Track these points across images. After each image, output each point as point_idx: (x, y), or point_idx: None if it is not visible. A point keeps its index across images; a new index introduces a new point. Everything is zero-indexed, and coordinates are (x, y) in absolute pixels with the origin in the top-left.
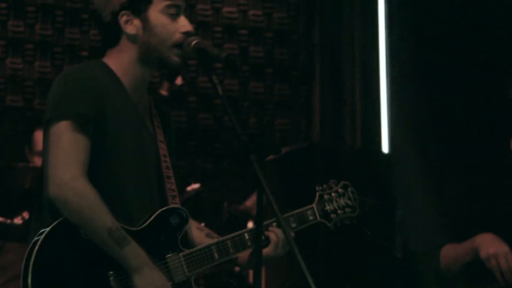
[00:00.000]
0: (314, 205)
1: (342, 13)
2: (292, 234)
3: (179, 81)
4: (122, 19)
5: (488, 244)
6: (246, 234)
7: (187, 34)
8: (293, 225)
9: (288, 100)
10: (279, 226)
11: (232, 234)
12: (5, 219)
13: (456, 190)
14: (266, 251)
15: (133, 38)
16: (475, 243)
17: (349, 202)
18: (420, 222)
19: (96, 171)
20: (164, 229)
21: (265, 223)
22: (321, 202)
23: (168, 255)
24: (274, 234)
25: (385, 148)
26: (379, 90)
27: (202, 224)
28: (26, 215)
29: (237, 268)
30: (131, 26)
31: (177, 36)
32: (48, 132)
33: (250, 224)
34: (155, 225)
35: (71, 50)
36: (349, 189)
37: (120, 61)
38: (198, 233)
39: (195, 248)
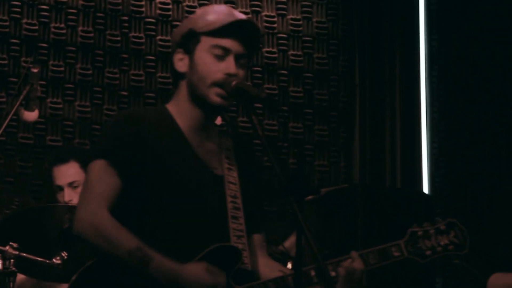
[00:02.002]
0: (401, 241)
1: (382, 54)
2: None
3: (218, 121)
4: (176, 58)
5: None
6: (311, 271)
7: (229, 75)
8: (372, 261)
9: (327, 140)
10: (318, 268)
11: None
12: (44, 259)
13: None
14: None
15: (183, 77)
16: None
17: (455, 240)
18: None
19: (144, 212)
20: (215, 265)
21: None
22: (413, 239)
23: None
24: (343, 268)
25: (425, 188)
26: (420, 131)
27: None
28: (64, 255)
29: None
30: (182, 63)
31: (218, 76)
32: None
33: (289, 265)
34: (205, 261)
35: (110, 90)
36: (457, 227)
37: (177, 103)
38: (265, 270)
39: (249, 284)
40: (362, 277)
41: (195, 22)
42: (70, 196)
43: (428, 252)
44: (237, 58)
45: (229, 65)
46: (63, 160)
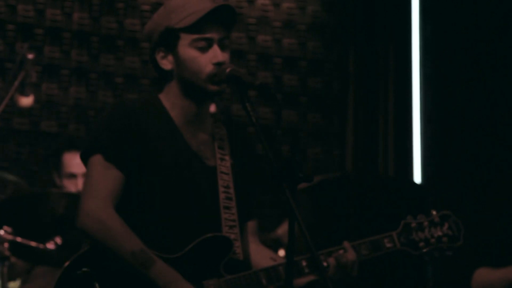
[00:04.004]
0: (394, 233)
1: (376, 43)
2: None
3: (213, 108)
4: (158, 56)
5: None
6: (303, 261)
7: (218, 64)
8: (364, 252)
9: (321, 129)
10: (311, 258)
11: None
12: (38, 244)
13: (492, 214)
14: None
15: (171, 73)
16: None
17: (449, 232)
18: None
19: (138, 203)
20: (204, 256)
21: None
22: (406, 230)
23: (205, 281)
24: (334, 259)
25: (417, 178)
26: (412, 120)
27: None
28: (58, 240)
29: None
30: (166, 61)
31: (209, 68)
32: (86, 165)
33: (281, 253)
34: (194, 252)
35: (106, 77)
36: (451, 218)
37: (168, 95)
38: (257, 257)
39: (239, 274)
40: (353, 267)
41: (169, 17)
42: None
43: (421, 244)
44: (220, 42)
45: (215, 54)
46: (78, 147)
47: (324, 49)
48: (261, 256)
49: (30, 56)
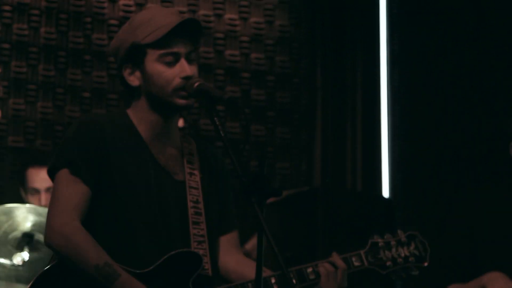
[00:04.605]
0: (361, 251)
1: (344, 56)
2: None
3: (181, 123)
4: (126, 72)
5: (496, 282)
6: (272, 278)
7: (186, 78)
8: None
9: (289, 143)
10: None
11: (267, 274)
12: (5, 259)
13: (460, 229)
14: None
15: (138, 89)
16: (482, 281)
17: (416, 252)
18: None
19: (105, 218)
20: (173, 272)
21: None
22: (374, 249)
23: None
24: (323, 268)
25: (385, 192)
26: (380, 134)
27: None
28: (25, 256)
29: None
30: (133, 77)
31: (177, 81)
32: (52, 180)
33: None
34: (163, 268)
35: (73, 91)
36: (417, 239)
37: (136, 110)
38: (238, 269)
39: None
40: (344, 276)
41: (134, 34)
42: (47, 201)
43: (388, 263)
44: (187, 56)
45: (182, 68)
46: (42, 163)
47: (291, 63)
48: (243, 268)
49: None
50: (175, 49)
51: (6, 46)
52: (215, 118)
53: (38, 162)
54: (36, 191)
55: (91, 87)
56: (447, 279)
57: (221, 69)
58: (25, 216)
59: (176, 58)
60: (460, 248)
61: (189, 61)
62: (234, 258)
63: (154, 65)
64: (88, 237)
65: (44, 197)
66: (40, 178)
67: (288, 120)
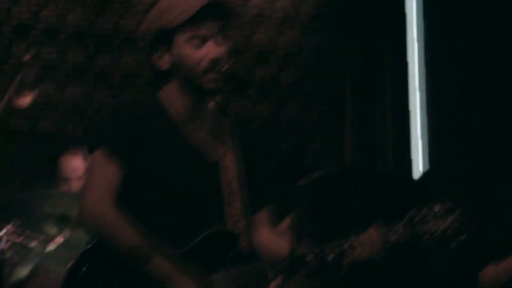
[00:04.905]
0: (398, 225)
1: (373, 38)
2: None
3: (212, 104)
4: (155, 57)
5: None
6: (308, 255)
7: (214, 60)
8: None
9: (319, 124)
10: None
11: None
12: (40, 243)
13: (495, 209)
14: (352, 257)
15: (168, 73)
16: None
17: (454, 225)
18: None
19: (140, 200)
20: (210, 251)
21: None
22: (411, 223)
23: (211, 276)
24: (359, 241)
25: (417, 171)
26: (411, 112)
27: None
28: (60, 239)
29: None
30: (162, 61)
31: (205, 64)
32: (87, 161)
33: None
34: (199, 247)
35: (103, 76)
36: (456, 212)
37: (167, 94)
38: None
39: (245, 267)
40: (380, 250)
41: (162, 17)
42: (78, 189)
43: (425, 237)
44: (215, 38)
45: (210, 50)
46: (74, 152)
47: (322, 43)
48: (276, 245)
49: (27, 57)
50: (202, 31)
51: (36, 31)
52: (245, 101)
53: (69, 151)
54: (67, 180)
55: (121, 71)
56: (485, 256)
57: (250, 51)
58: (61, 200)
59: (204, 40)
60: (498, 223)
61: (218, 42)
62: (268, 235)
63: (182, 48)
64: (121, 218)
65: (76, 186)
66: (71, 167)
67: (318, 100)
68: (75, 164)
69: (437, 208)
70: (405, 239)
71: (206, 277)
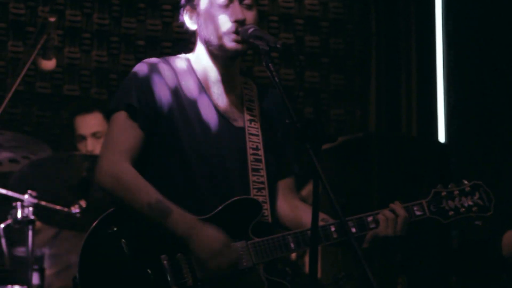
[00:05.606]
0: (423, 201)
1: (397, 2)
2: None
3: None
4: (186, 17)
5: None
6: (331, 226)
7: (238, 22)
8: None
9: (343, 89)
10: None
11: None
12: (63, 207)
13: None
14: (376, 231)
15: (196, 34)
16: None
17: (480, 202)
18: None
19: (165, 164)
20: (233, 218)
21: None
22: (436, 199)
23: (233, 243)
24: (383, 215)
25: (441, 137)
26: (435, 79)
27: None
28: (83, 203)
29: (293, 257)
30: (191, 21)
31: (228, 25)
32: (108, 122)
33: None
34: (223, 214)
35: (127, 40)
36: (482, 188)
37: (196, 55)
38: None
39: (268, 237)
40: (404, 225)
41: None
42: (93, 146)
43: (451, 213)
44: (241, 0)
45: (235, 11)
46: (87, 110)
47: (345, 9)
48: (300, 214)
49: (52, 19)
50: None
51: None
52: (270, 65)
53: (83, 110)
54: (83, 138)
55: (145, 35)
56: (504, 226)
57: (274, 16)
58: (82, 163)
59: (230, 0)
60: None
61: (245, 6)
62: (290, 203)
63: (208, 8)
64: (137, 176)
65: (91, 142)
66: (85, 124)
67: (342, 66)
68: (89, 121)
69: (463, 184)
70: (430, 215)
71: (224, 235)
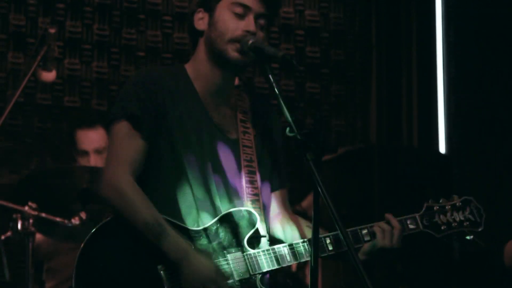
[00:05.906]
0: (416, 215)
1: (398, 13)
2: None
3: (236, 81)
4: (197, 17)
5: None
6: (327, 239)
7: (247, 32)
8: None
9: (344, 100)
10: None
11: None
12: (63, 219)
13: None
14: (372, 243)
15: (201, 35)
16: None
17: (471, 217)
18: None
19: (160, 175)
20: (229, 229)
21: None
22: (429, 213)
23: (229, 254)
24: (379, 227)
25: (442, 148)
26: (436, 90)
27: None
28: (83, 215)
29: (294, 268)
30: (202, 21)
31: (237, 33)
32: (109, 131)
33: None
34: (220, 225)
35: (128, 51)
36: (472, 204)
37: (195, 63)
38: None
39: (264, 249)
40: (399, 237)
41: None
42: (96, 162)
43: (443, 227)
44: (257, 17)
45: (248, 23)
46: (90, 124)
47: (346, 20)
48: (291, 226)
49: (52, 30)
50: (248, 2)
51: (61, 5)
52: (270, 76)
53: (85, 124)
54: (85, 153)
55: (145, 46)
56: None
57: (275, 26)
58: (83, 175)
59: (246, 12)
60: None
61: (258, 24)
62: (284, 215)
63: (224, 12)
64: (139, 192)
65: (93, 158)
66: (87, 139)
67: (343, 77)
68: (92, 137)
69: (454, 199)
70: (423, 228)
71: (214, 263)
